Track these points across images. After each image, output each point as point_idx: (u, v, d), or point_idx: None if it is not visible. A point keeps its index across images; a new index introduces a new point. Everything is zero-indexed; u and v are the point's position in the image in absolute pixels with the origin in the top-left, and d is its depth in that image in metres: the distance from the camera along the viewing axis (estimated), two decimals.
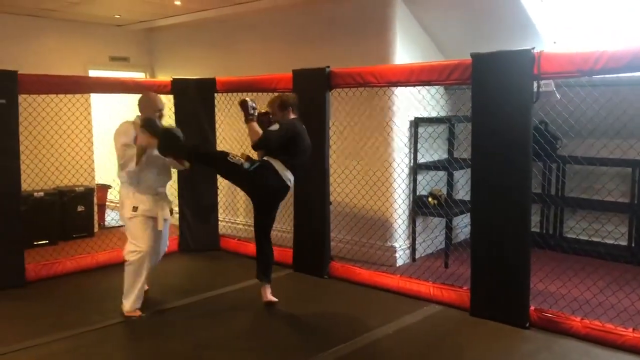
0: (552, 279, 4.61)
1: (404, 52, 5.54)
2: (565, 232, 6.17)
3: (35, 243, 6.50)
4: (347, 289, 5.02)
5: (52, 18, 6.79)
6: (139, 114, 4.41)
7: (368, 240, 5.75)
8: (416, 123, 5.70)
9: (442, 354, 3.76)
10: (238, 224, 7.00)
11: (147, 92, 4.58)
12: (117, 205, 4.95)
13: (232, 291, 5.00)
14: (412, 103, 5.50)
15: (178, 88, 6.09)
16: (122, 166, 4.26)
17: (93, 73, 7.14)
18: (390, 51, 5.49)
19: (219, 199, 6.50)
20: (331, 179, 5.38)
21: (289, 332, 4.07)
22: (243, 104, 4.36)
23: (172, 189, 6.91)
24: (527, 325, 4.04)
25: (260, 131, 4.31)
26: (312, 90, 5.15)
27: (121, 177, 4.40)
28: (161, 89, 6.08)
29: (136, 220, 4.30)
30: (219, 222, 6.50)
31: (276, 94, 4.80)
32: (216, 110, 6.24)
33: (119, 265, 5.73)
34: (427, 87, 5.06)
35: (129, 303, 4.33)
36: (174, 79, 6.14)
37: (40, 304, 4.73)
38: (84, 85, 5.52)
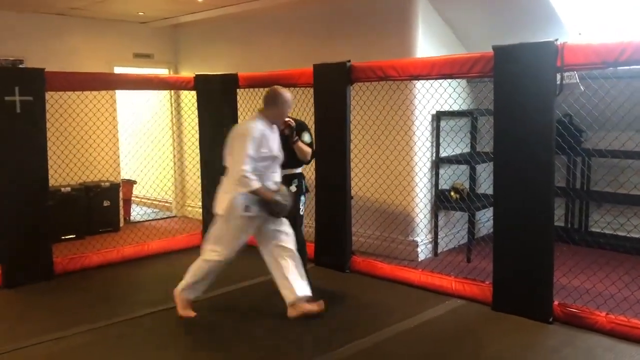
0: (576, 273, 4.55)
1: (426, 46, 5.51)
2: (591, 226, 6.09)
3: (62, 237, 6.64)
4: (369, 283, 5.03)
5: (79, 16, 6.89)
6: (264, 107, 4.16)
7: (390, 235, 5.74)
8: (438, 116, 5.67)
9: (464, 348, 3.74)
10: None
11: (279, 90, 4.15)
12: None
13: (250, 285, 5.04)
14: (434, 96, 5.47)
15: (201, 84, 6.15)
16: (240, 181, 3.93)
17: (118, 70, 7.24)
18: (412, 45, 5.47)
19: None
20: (352, 174, 5.39)
21: (310, 326, 4.09)
22: (291, 129, 4.36)
23: (195, 183, 7.04)
24: (551, 320, 4.00)
25: (304, 146, 4.47)
26: (333, 84, 5.17)
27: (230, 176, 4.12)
28: (184, 85, 6.15)
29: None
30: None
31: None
32: (238, 105, 6.28)
33: (144, 259, 5.89)
34: (449, 80, 5.02)
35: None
36: (196, 75, 6.20)
37: (67, 297, 4.83)
38: (108, 82, 5.61)
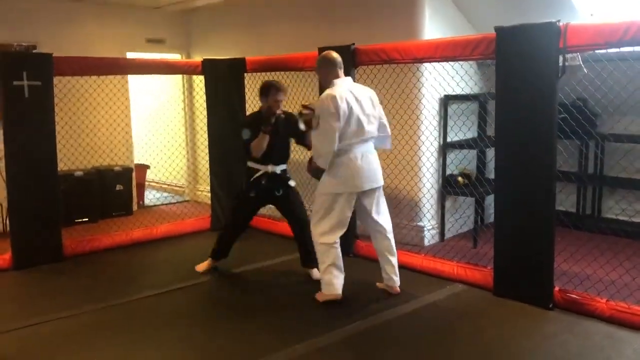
0: (579, 259, 4.47)
1: (434, 28, 5.43)
2: (604, 212, 5.96)
3: (76, 220, 6.77)
4: (371, 267, 4.99)
5: (93, 2, 6.96)
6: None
7: (395, 220, 5.67)
8: (446, 100, 5.59)
9: (462, 332, 3.72)
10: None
11: (328, 53, 4.18)
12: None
13: (258, 268, 5.09)
14: (442, 80, 5.39)
15: (209, 68, 6.17)
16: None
17: (130, 55, 7.29)
18: (418, 27, 5.40)
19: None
20: None
21: (310, 308, 4.12)
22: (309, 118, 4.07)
23: (204, 168, 7.08)
24: (551, 306, 3.95)
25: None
26: None
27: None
28: (192, 69, 6.18)
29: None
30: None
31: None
32: (246, 89, 6.29)
33: (153, 242, 5.97)
34: (459, 62, 4.93)
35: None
36: (204, 59, 6.22)
37: (76, 278, 4.94)
38: (115, 67, 5.65)
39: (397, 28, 5.48)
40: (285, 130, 4.56)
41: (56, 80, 5.31)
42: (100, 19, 7.16)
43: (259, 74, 6.21)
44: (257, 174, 4.64)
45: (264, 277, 4.91)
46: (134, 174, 7.43)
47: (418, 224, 5.66)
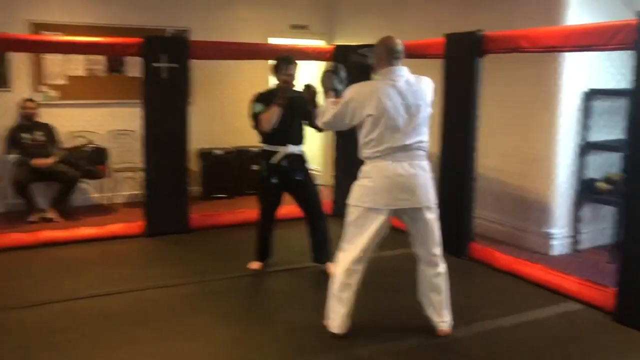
0: None
1: (582, 11, 4.82)
2: None
3: (213, 196, 7.21)
4: (483, 273, 4.66)
5: None
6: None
7: (520, 223, 5.23)
8: (589, 95, 4.95)
9: (564, 358, 3.29)
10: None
11: (386, 38, 3.40)
12: None
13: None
14: (586, 71, 4.79)
15: (339, 55, 6.12)
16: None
17: (273, 41, 7.52)
18: (560, 11, 4.82)
19: None
20: (483, 154, 4.97)
21: (411, 310, 3.92)
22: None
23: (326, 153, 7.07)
24: None
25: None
26: (462, 56, 4.80)
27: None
28: (323, 55, 6.20)
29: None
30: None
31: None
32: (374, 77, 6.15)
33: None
34: (608, 52, 4.34)
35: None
36: (336, 45, 6.19)
37: (196, 250, 5.26)
38: (246, 52, 5.84)
39: (538, 12, 4.96)
40: (301, 108, 4.27)
41: (213, 63, 5.60)
42: (248, 4, 7.47)
43: None
44: (276, 157, 4.28)
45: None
46: None
47: (547, 230, 5.13)
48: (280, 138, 4.27)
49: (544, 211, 5.12)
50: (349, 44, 6.24)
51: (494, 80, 5.05)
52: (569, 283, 4.11)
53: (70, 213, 6.20)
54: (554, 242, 5.10)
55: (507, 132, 5.26)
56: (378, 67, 3.38)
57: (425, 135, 3.31)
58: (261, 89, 7.12)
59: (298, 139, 4.38)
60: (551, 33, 4.12)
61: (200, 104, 6.89)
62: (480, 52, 4.68)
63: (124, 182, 6.99)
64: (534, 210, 5.16)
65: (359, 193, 3.32)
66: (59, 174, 6.01)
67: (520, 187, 5.23)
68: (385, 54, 3.32)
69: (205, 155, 7.16)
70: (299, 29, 7.84)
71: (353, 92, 3.32)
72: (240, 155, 7.45)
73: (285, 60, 4.25)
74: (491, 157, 5.23)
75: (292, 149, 4.30)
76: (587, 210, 5.20)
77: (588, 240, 5.21)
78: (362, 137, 3.30)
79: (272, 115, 4.17)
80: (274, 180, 4.26)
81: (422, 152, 3.31)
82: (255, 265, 4.64)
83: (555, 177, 5.01)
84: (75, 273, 4.56)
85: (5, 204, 6.27)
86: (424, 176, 3.29)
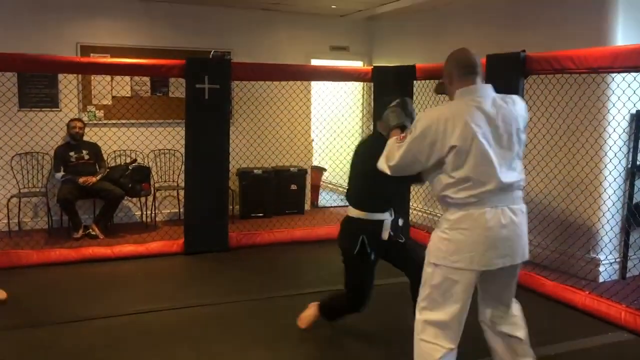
0: None
1: (630, 31, 4.70)
2: None
3: (252, 215, 7.26)
4: (528, 299, 4.46)
5: (282, 11, 7.38)
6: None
7: (568, 249, 5.08)
8: (638, 117, 4.81)
9: None
10: (435, 215, 6.80)
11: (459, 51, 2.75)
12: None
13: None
14: (634, 92, 4.65)
15: (378, 75, 6.14)
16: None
17: (315, 62, 7.59)
18: (609, 31, 4.72)
19: (416, 187, 6.41)
20: (528, 177, 4.85)
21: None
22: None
23: None
24: None
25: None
26: (505, 77, 4.71)
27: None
28: (362, 76, 6.21)
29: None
30: (414, 211, 6.41)
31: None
32: (415, 98, 6.12)
33: (311, 242, 6.11)
34: None
35: None
36: (374, 66, 6.21)
37: (234, 268, 5.29)
38: (287, 74, 5.89)
39: (582, 32, 4.87)
40: None
41: (253, 84, 5.68)
42: (289, 27, 7.56)
43: (429, 81, 6.00)
44: (384, 228, 3.31)
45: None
46: (308, 176, 7.72)
47: (594, 256, 4.96)
48: (384, 204, 3.34)
49: (591, 236, 4.96)
50: (388, 65, 6.24)
51: (537, 102, 4.96)
52: (616, 311, 3.95)
53: (112, 230, 6.33)
54: (602, 269, 4.93)
55: (552, 155, 5.14)
56: (452, 89, 2.67)
57: (521, 170, 2.64)
58: (302, 107, 7.25)
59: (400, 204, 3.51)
60: (598, 53, 4.03)
61: (240, 124, 7.00)
62: (523, 73, 4.60)
63: (166, 201, 7.11)
64: (580, 235, 5.00)
65: (447, 249, 2.56)
66: (104, 191, 6.15)
67: (566, 211, 5.08)
68: (457, 71, 2.65)
69: (245, 175, 7.22)
70: (340, 50, 7.89)
71: (427, 119, 2.55)
72: (278, 175, 7.49)
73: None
74: (536, 181, 5.10)
75: (392, 214, 3.38)
76: (636, 236, 5.01)
77: (638, 266, 5.02)
78: (444, 176, 2.55)
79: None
80: (373, 257, 3.34)
81: (520, 193, 2.65)
82: (307, 318, 3.81)
83: (602, 201, 4.86)
84: (117, 289, 4.63)
85: (52, 220, 6.44)
86: (525, 224, 2.65)
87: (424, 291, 2.66)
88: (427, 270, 2.66)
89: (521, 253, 2.62)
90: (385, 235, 3.30)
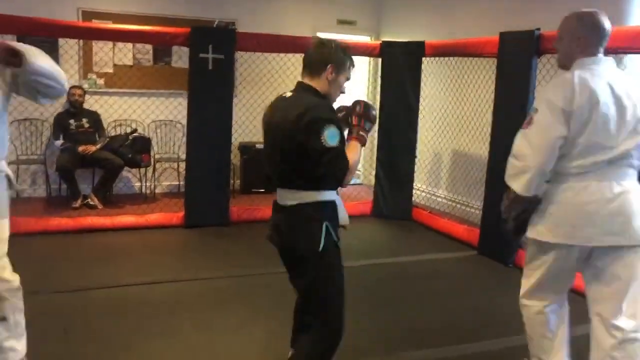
0: None
1: None
2: None
3: (253, 190, 7.16)
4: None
5: None
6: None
7: None
8: None
9: None
10: (438, 196, 6.73)
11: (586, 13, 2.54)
12: None
13: (408, 262, 4.86)
14: None
15: (386, 51, 6.00)
16: None
17: (320, 35, 7.42)
18: (628, 10, 4.59)
19: (420, 167, 6.32)
20: None
21: (456, 314, 3.83)
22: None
23: (370, 152, 6.93)
24: None
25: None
26: (517, 55, 4.62)
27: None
28: (370, 51, 6.08)
29: None
30: (417, 192, 6.34)
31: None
32: (423, 75, 5.99)
33: None
34: None
35: None
36: (383, 41, 6.07)
37: (235, 243, 5.22)
38: (292, 45, 5.72)
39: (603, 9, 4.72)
40: None
41: (258, 55, 5.70)
42: None
43: (439, 59, 5.88)
44: (330, 208, 2.41)
45: (414, 273, 4.66)
46: None
47: None
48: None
49: None
50: (396, 40, 6.10)
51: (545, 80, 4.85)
52: None
53: (111, 200, 6.25)
54: None
55: None
56: (575, 54, 2.46)
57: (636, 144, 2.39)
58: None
59: None
60: (617, 34, 3.88)
61: (243, 97, 6.86)
62: (537, 52, 4.49)
63: (166, 172, 7.01)
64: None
65: (547, 222, 2.44)
66: (103, 161, 6.05)
67: None
68: (591, 36, 2.42)
69: (247, 149, 7.12)
70: (346, 24, 7.74)
71: (549, 93, 2.41)
72: None
73: (350, 57, 2.49)
74: None
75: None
76: None
77: None
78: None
79: (358, 157, 2.46)
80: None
81: (632, 171, 2.42)
82: None
83: None
84: (116, 260, 4.57)
85: (50, 189, 6.35)
86: (638, 200, 2.39)
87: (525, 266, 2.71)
88: (528, 247, 2.69)
89: (632, 232, 2.37)
90: (346, 219, 2.50)
